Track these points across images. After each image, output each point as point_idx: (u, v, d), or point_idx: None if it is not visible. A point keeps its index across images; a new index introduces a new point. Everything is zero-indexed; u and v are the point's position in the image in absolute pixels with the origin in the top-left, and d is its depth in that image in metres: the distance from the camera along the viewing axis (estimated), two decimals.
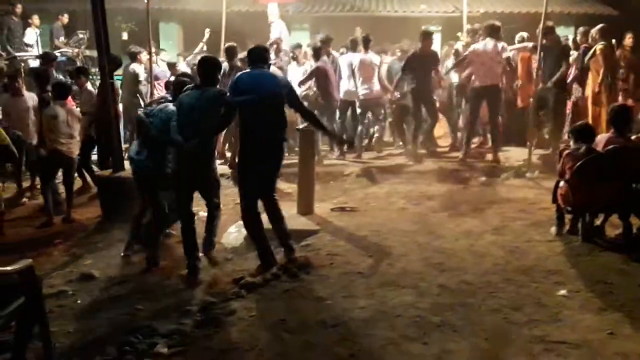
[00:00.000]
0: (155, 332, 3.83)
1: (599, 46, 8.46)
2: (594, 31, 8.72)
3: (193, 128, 4.85)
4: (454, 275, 4.68)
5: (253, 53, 5.14)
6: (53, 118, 6.71)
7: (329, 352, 3.47)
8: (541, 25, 8.27)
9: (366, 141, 10.09)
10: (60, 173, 7.16)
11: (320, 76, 8.90)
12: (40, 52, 9.63)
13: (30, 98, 7.58)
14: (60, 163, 6.90)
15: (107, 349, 3.68)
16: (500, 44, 8.45)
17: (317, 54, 9.00)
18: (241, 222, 6.27)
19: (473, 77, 8.80)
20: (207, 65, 5.09)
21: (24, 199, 7.56)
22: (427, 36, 9.02)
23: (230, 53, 8.55)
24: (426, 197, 7.26)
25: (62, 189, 7.25)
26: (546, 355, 3.43)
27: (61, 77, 8.05)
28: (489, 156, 8.93)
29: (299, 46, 10.03)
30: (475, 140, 9.72)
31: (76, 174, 8.06)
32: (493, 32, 8.53)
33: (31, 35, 10.62)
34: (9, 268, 3.07)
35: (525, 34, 9.50)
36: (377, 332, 3.72)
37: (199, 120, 4.86)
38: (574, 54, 9.20)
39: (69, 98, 7.18)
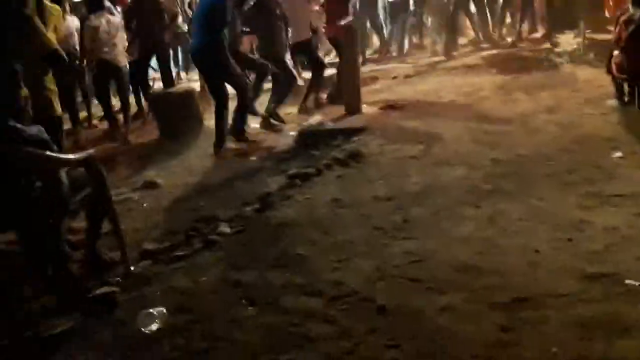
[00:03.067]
0: (218, 219, 4.01)
1: None
2: None
3: None
4: (507, 150, 4.66)
5: None
6: (94, 29, 6.63)
7: (383, 220, 3.58)
8: None
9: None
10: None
11: None
12: None
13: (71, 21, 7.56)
14: (109, 73, 6.89)
15: (175, 237, 3.91)
16: None
17: None
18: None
19: None
20: None
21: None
22: None
23: None
24: (477, 88, 7.12)
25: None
26: (601, 207, 3.43)
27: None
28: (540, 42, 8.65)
29: None
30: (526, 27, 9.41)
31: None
32: None
33: None
34: (71, 156, 3.24)
35: None
36: (430, 201, 3.80)
37: None
38: None
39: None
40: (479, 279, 2.81)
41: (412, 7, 9.91)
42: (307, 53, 7.28)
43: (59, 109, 4.12)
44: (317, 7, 7.44)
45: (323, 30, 7.35)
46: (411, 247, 3.19)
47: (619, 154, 4.22)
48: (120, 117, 7.34)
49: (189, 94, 6.88)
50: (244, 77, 6.03)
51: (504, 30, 10.01)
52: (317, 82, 7.22)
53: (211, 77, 5.99)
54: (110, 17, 6.79)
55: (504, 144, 4.81)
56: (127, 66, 7.11)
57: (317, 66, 7.23)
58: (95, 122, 7.88)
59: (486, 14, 9.71)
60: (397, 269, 2.98)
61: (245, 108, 6.07)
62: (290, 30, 6.84)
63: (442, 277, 2.87)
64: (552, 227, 3.25)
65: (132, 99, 8.10)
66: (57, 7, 6.01)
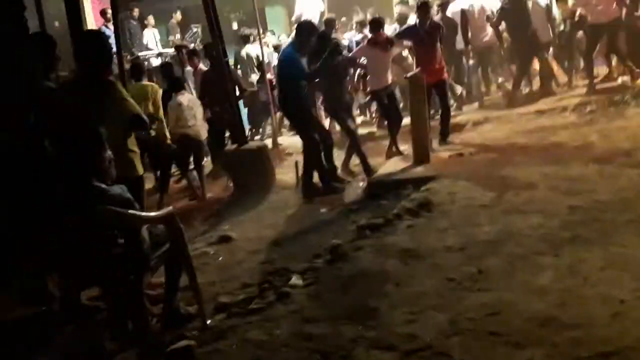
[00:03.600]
0: (290, 271, 4.07)
1: None
2: None
3: None
4: (584, 196, 4.49)
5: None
6: (178, 106, 7.15)
7: (456, 270, 3.52)
8: None
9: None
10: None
11: None
12: (160, 51, 10.43)
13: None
14: (190, 146, 7.30)
15: (249, 290, 3.98)
16: None
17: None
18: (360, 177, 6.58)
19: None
20: None
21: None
22: None
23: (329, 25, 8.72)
24: (549, 133, 6.99)
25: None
26: None
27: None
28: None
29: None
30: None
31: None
32: None
33: (149, 36, 11.44)
34: (152, 214, 3.41)
35: None
36: (504, 251, 3.70)
37: None
38: None
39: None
40: (561, 332, 2.70)
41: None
42: (389, 99, 7.40)
43: (140, 169, 4.34)
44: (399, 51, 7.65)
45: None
46: (487, 299, 3.11)
47: None
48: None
49: (260, 150, 7.12)
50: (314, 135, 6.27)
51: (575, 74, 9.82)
52: (394, 130, 7.33)
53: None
54: (190, 95, 7.49)
55: (581, 190, 4.65)
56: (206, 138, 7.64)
57: (396, 115, 7.35)
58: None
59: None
60: (472, 322, 2.90)
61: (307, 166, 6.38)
62: (370, 77, 7.24)
63: (521, 330, 2.77)
64: (636, 275, 3.09)
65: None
66: (155, 85, 6.56)
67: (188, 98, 7.39)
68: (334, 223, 5.32)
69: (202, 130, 7.52)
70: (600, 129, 6.64)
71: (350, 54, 7.38)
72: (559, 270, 3.33)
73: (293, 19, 11.09)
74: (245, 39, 9.66)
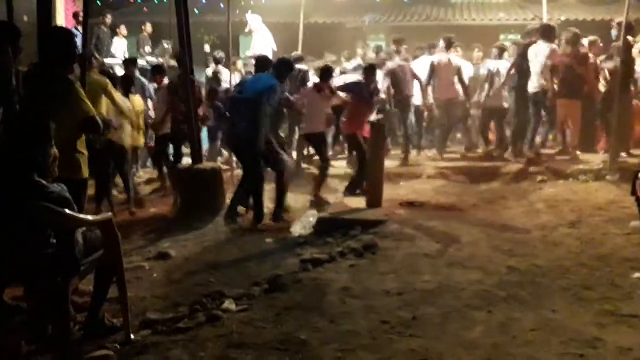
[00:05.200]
0: (225, 296, 3.97)
1: None
2: None
3: None
4: (524, 259, 4.62)
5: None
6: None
7: (391, 314, 3.51)
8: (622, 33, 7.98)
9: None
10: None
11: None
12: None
13: None
14: (111, 152, 6.90)
15: (179, 309, 3.86)
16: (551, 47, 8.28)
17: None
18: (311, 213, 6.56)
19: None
20: None
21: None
22: None
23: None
24: (499, 196, 7.16)
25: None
26: (616, 326, 3.32)
27: (145, 81, 8.43)
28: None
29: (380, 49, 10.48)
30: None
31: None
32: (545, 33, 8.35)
33: (118, 44, 11.31)
34: (90, 218, 3.30)
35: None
36: (440, 301, 3.73)
37: None
38: None
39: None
40: None
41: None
42: (316, 145, 7.51)
43: (86, 172, 4.22)
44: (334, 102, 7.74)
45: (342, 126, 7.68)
46: (417, 346, 3.10)
47: (638, 274, 4.14)
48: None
49: (214, 171, 6.99)
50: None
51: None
52: (321, 176, 7.38)
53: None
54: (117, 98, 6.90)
55: (522, 253, 4.77)
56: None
57: (323, 161, 7.41)
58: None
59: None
60: None
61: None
62: (305, 121, 7.56)
63: None
64: (564, 340, 3.15)
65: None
66: (105, 79, 6.33)
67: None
68: (277, 253, 5.25)
69: (125, 137, 7.04)
70: (548, 199, 6.85)
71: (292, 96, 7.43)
72: (490, 326, 3.37)
73: (249, 53, 11.34)
74: (218, 61, 9.68)
